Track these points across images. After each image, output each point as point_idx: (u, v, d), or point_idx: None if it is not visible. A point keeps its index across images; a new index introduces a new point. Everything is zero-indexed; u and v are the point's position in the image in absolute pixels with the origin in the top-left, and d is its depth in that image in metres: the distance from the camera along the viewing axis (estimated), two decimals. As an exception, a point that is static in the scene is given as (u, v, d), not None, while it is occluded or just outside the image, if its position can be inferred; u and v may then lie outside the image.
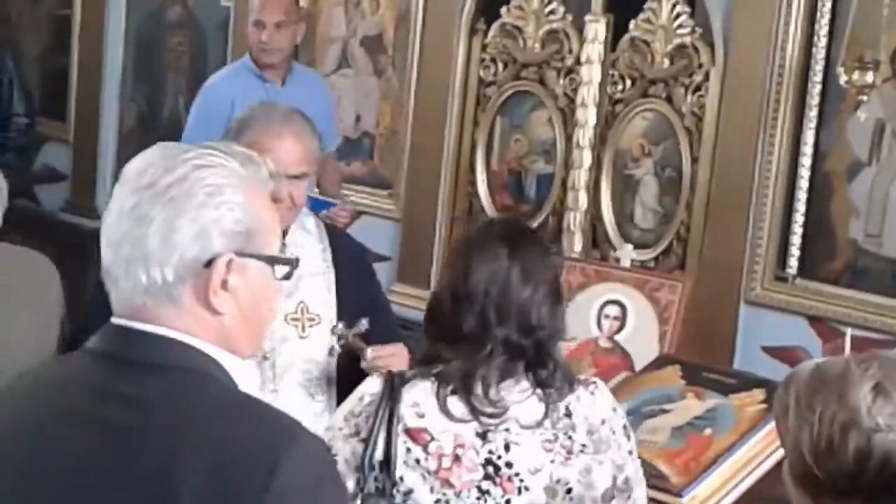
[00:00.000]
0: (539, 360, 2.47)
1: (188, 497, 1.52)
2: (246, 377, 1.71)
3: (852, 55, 3.90)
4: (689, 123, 4.41)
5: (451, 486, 2.42)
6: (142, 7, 6.48)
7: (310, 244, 3.19)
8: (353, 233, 4.03)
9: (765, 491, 3.05)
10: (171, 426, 1.57)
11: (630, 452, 2.57)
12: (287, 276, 1.73)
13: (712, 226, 4.33)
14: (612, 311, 4.19)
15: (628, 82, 4.56)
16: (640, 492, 2.60)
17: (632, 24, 4.54)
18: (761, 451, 3.17)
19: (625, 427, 2.57)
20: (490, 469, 2.44)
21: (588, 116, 4.61)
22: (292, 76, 4.93)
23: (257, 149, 2.83)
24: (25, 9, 7.05)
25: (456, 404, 2.45)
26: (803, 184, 4.18)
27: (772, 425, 2.72)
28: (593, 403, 2.52)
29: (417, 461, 2.43)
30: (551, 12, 4.78)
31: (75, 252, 4.40)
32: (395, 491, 2.42)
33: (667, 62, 4.45)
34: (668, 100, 4.46)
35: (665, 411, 3.41)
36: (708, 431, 3.28)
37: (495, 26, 4.91)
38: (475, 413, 2.44)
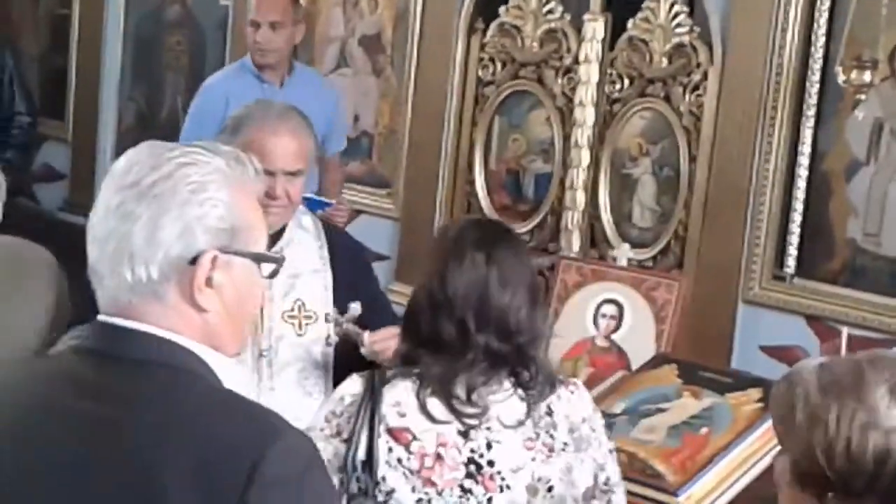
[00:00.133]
0: (520, 364, 2.47)
1: (173, 493, 1.52)
2: (238, 375, 1.72)
3: (850, 54, 3.89)
4: (687, 123, 4.40)
5: (433, 484, 2.42)
6: (141, 6, 6.49)
7: (307, 242, 3.18)
8: (352, 232, 4.02)
9: (761, 490, 3.03)
10: (157, 423, 1.57)
11: (610, 451, 2.58)
12: (273, 274, 1.73)
13: (710, 225, 4.33)
14: (609, 310, 4.19)
15: (626, 82, 4.56)
16: (620, 495, 2.61)
17: (630, 24, 4.53)
18: (758, 450, 3.16)
19: (604, 427, 2.58)
20: (472, 468, 2.43)
21: (586, 116, 4.60)
22: (292, 77, 4.89)
23: (254, 146, 2.86)
24: (25, 8, 7.05)
25: (436, 406, 2.44)
26: (801, 183, 4.17)
27: (768, 424, 2.71)
28: (574, 402, 2.52)
29: (399, 461, 2.43)
30: (549, 12, 4.77)
31: (73, 251, 4.38)
32: (377, 491, 2.42)
33: (665, 61, 4.44)
34: (667, 99, 4.45)
35: (661, 410, 3.40)
36: (704, 430, 3.27)
37: (494, 26, 4.91)
38: (456, 414, 2.44)
